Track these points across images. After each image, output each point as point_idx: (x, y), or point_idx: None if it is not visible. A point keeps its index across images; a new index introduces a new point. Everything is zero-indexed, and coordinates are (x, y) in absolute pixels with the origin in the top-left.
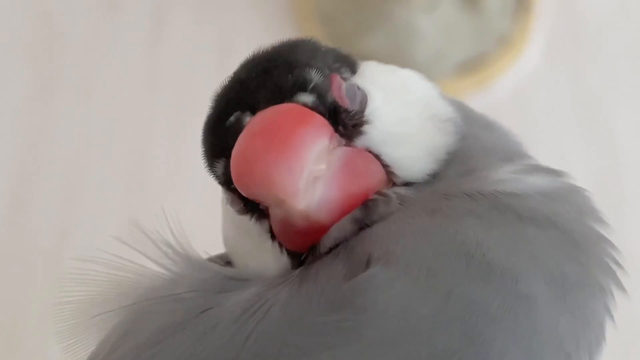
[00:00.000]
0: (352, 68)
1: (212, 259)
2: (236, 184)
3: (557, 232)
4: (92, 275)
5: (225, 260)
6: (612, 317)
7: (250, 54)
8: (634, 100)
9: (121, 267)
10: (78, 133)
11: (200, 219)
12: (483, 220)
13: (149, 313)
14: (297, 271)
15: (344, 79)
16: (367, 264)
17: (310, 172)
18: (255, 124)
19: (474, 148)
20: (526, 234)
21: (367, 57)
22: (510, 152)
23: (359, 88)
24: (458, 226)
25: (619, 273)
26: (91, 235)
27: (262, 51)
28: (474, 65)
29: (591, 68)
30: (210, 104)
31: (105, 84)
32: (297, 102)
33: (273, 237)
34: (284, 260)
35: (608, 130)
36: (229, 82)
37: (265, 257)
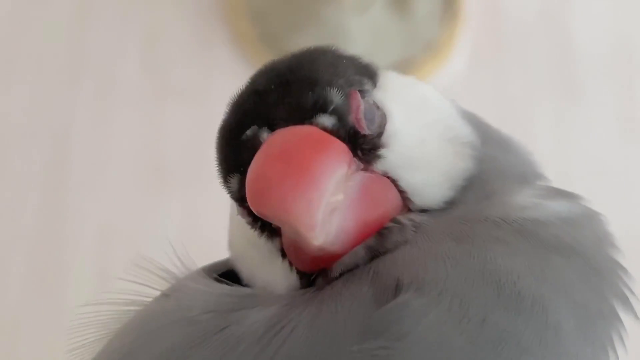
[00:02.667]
0: (373, 79)
1: (208, 270)
2: (251, 205)
3: (580, 261)
4: (101, 316)
5: (224, 268)
6: (624, 344)
7: (270, 61)
8: (555, 105)
9: (128, 302)
10: None
11: (129, 202)
12: (510, 248)
13: (156, 333)
14: (312, 291)
15: (364, 96)
16: (397, 290)
17: (328, 204)
18: (273, 145)
19: (491, 171)
20: (552, 263)
21: None
22: (527, 173)
23: (378, 108)
24: (487, 254)
25: (632, 300)
26: None
27: (282, 60)
28: (401, 69)
29: (514, 73)
30: (226, 111)
31: (27, 73)
32: (317, 125)
33: (283, 255)
34: (293, 278)
35: (530, 134)
36: (246, 90)
37: (274, 272)
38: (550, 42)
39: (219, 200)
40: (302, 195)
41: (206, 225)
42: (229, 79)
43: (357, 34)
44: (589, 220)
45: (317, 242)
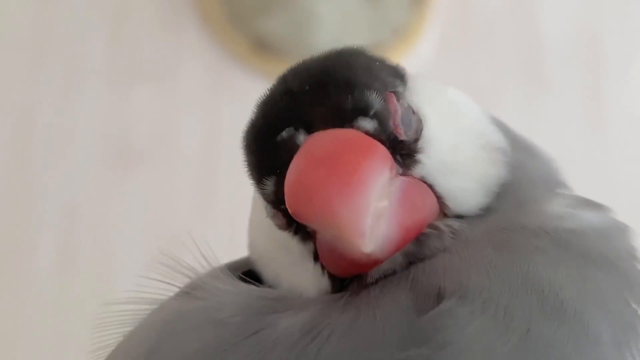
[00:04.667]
0: (404, 81)
1: (231, 268)
2: (291, 209)
3: (616, 273)
4: (126, 316)
5: (245, 267)
6: None
7: (300, 62)
8: (522, 94)
9: (152, 301)
10: None
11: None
12: (550, 258)
13: (184, 334)
14: (347, 296)
15: (399, 99)
16: (438, 297)
17: (375, 210)
18: (315, 148)
19: (522, 178)
20: (590, 274)
21: (266, 38)
22: (553, 181)
23: (414, 112)
24: (528, 263)
25: None
26: None
27: (314, 61)
28: None
29: (481, 61)
30: (256, 111)
31: None
32: (359, 128)
33: (316, 258)
34: (324, 282)
35: None
36: (278, 90)
37: (304, 275)
38: (518, 31)
39: (186, 182)
40: (350, 202)
41: (172, 208)
42: (197, 60)
43: (326, 18)
44: (620, 232)
45: (367, 250)
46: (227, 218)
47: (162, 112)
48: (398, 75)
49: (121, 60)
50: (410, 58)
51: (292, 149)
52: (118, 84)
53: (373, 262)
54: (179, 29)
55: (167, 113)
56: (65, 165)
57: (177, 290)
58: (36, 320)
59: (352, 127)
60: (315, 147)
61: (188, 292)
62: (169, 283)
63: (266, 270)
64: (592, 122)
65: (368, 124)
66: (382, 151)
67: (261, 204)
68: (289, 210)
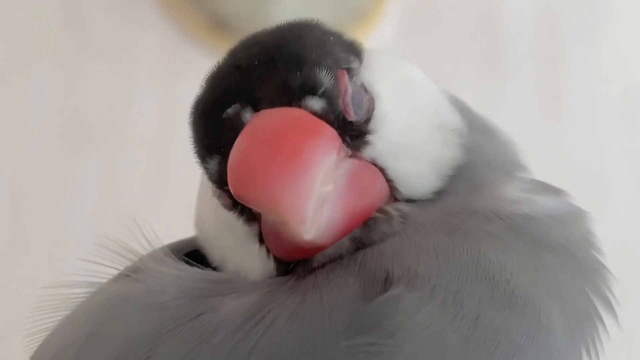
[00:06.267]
0: (359, 58)
1: (173, 249)
2: (234, 191)
3: (569, 260)
4: (61, 300)
5: (189, 247)
6: (604, 344)
7: (251, 34)
8: (480, 78)
9: (90, 284)
10: None
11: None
12: (503, 243)
13: (124, 318)
14: (292, 279)
15: (352, 76)
16: (386, 282)
17: (319, 195)
18: (259, 128)
19: (478, 160)
20: (544, 261)
21: (224, 17)
22: (512, 164)
23: (366, 90)
24: (480, 248)
25: (613, 301)
26: None
27: (265, 34)
28: None
29: (441, 42)
30: (203, 86)
31: None
32: (306, 108)
33: (261, 240)
34: (269, 265)
35: None
36: (226, 64)
37: (248, 257)
38: (479, 14)
39: (139, 161)
40: (292, 185)
41: (125, 187)
42: (153, 37)
43: None
44: (576, 218)
45: (308, 237)
46: (182, 197)
47: (116, 90)
48: (353, 50)
49: (73, 35)
50: (370, 39)
51: (237, 127)
52: (70, 60)
53: (318, 248)
54: (134, 5)
55: (120, 91)
56: (14, 144)
57: (116, 272)
58: None
59: (299, 106)
60: (259, 127)
61: (128, 275)
62: (111, 267)
63: (212, 250)
64: (551, 107)
65: (316, 103)
66: (329, 132)
67: (207, 182)
68: (231, 191)
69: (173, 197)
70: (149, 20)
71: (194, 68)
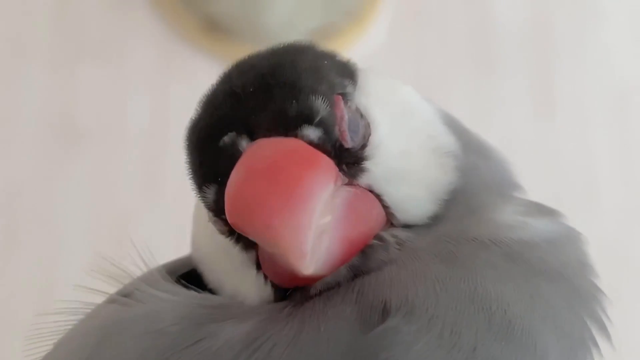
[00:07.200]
0: (353, 79)
1: (169, 270)
2: (231, 222)
3: (565, 286)
4: (56, 327)
5: (185, 268)
6: None
7: (245, 58)
8: (472, 79)
9: (85, 311)
10: None
11: None
12: (499, 272)
13: (122, 344)
14: (290, 306)
15: (347, 101)
16: (384, 312)
17: (317, 228)
18: (256, 159)
19: (474, 183)
20: (540, 288)
21: (217, 18)
22: (506, 183)
23: (362, 116)
24: (477, 278)
25: (608, 326)
26: None
27: (260, 58)
28: (322, 36)
29: (433, 43)
30: (198, 111)
31: None
32: (303, 137)
33: (258, 266)
34: (267, 291)
35: (448, 107)
36: (221, 90)
37: (246, 283)
38: (470, 15)
39: (132, 163)
40: (291, 220)
41: (118, 189)
42: (145, 38)
43: None
44: (571, 242)
45: (308, 271)
46: (174, 199)
47: (108, 91)
48: (347, 73)
49: (66, 36)
50: (362, 41)
51: (233, 156)
52: (63, 61)
53: (316, 277)
54: (127, 6)
55: (113, 92)
56: (6, 145)
57: (109, 295)
58: None
59: (295, 135)
60: (256, 157)
61: (124, 298)
62: (104, 291)
63: (208, 272)
64: (542, 108)
65: (312, 132)
66: (326, 163)
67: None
68: (229, 222)
69: (166, 198)
70: (141, 21)
71: (187, 69)
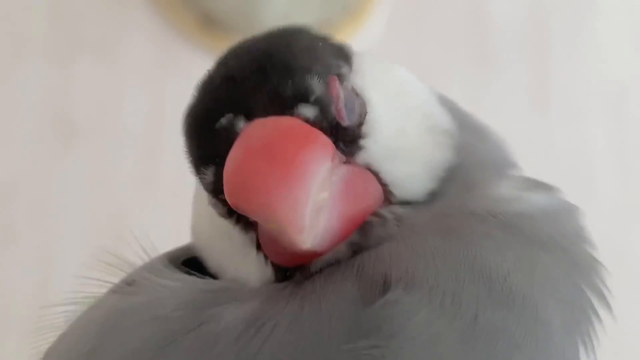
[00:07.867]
0: (349, 62)
1: (171, 258)
2: (230, 201)
3: (564, 256)
4: (60, 318)
5: (186, 255)
6: (598, 339)
7: (241, 42)
8: (469, 74)
9: (88, 301)
10: None
11: None
12: (497, 243)
13: (125, 332)
14: (291, 286)
15: (343, 82)
16: (384, 286)
17: (315, 204)
18: (253, 138)
19: (471, 161)
20: (539, 258)
21: (214, 14)
22: (503, 162)
23: (357, 95)
24: (475, 249)
25: (607, 295)
26: None
27: (256, 42)
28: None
29: (430, 38)
30: (195, 95)
31: None
32: (299, 116)
33: (258, 247)
34: (268, 271)
35: None
36: (217, 73)
37: (246, 265)
38: (467, 10)
39: (129, 158)
40: (289, 195)
41: (115, 184)
42: (142, 34)
43: None
44: (568, 213)
45: (306, 246)
46: (171, 194)
47: (105, 86)
48: (342, 55)
49: (63, 33)
50: (360, 35)
51: (231, 137)
52: (60, 56)
53: (315, 254)
54: (124, 2)
55: (110, 88)
56: (4, 140)
57: (112, 284)
58: None
59: (292, 114)
60: (253, 136)
61: (126, 287)
62: (109, 282)
63: (209, 257)
64: (538, 102)
65: (309, 111)
66: (323, 140)
67: (202, 190)
68: (228, 201)
69: (163, 193)
70: (138, 17)
71: (184, 65)
